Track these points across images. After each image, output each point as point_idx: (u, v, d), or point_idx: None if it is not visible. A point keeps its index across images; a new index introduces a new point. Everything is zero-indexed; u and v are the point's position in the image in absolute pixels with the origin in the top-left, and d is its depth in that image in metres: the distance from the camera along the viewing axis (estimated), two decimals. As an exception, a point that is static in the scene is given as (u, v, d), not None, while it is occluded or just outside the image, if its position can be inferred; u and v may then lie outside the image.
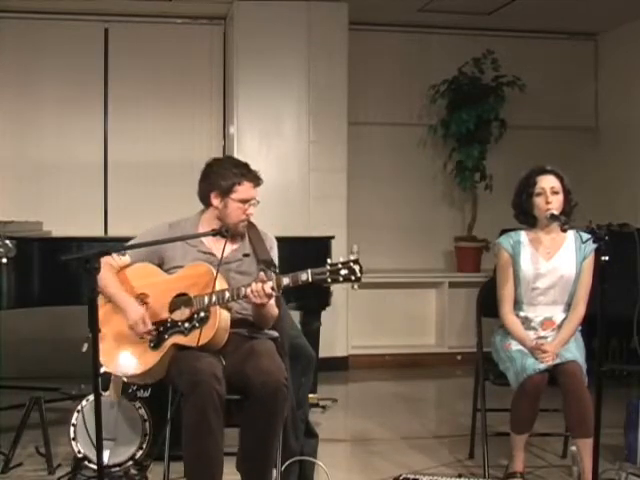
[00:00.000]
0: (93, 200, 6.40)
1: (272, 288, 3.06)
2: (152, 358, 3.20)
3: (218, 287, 3.13)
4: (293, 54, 6.28)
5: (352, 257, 2.97)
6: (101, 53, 6.45)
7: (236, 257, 3.35)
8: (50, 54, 6.36)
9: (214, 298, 3.11)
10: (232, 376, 3.12)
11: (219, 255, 3.21)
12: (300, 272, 3.01)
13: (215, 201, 3.32)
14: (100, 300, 3.24)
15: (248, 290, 3.08)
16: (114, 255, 3.29)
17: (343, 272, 2.94)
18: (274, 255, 3.40)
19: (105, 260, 3.21)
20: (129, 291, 3.30)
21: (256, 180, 3.35)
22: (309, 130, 6.31)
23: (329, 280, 2.96)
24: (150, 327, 3.19)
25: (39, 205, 6.19)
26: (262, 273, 3.12)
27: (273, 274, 3.13)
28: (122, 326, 3.25)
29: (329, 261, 2.98)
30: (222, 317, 3.15)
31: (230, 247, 3.32)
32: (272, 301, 3.21)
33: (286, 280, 3.06)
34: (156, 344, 3.20)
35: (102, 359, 3.05)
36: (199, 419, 2.97)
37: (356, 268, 2.94)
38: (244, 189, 3.31)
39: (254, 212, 3.38)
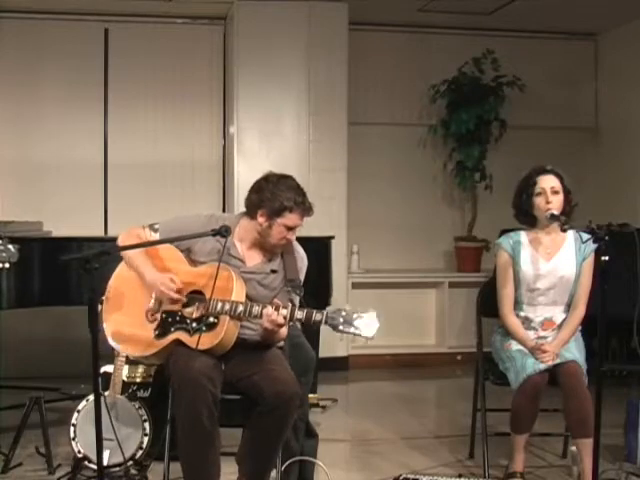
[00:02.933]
0: (93, 200, 6.40)
1: (284, 317, 3.01)
2: (153, 346, 3.18)
3: (234, 296, 3.09)
4: (293, 54, 6.28)
5: (372, 311, 2.91)
6: (101, 53, 6.45)
7: (263, 270, 3.29)
8: (50, 54, 6.35)
9: (227, 307, 3.06)
10: (239, 381, 3.12)
11: (248, 264, 3.24)
12: (316, 311, 2.97)
13: (261, 219, 3.23)
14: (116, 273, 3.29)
15: (262, 311, 3.04)
16: (146, 230, 3.28)
17: (357, 323, 2.89)
18: (302, 276, 3.35)
19: (136, 232, 3.25)
20: (157, 266, 3.24)
21: (308, 212, 3.26)
22: (309, 130, 6.31)
23: (340, 327, 2.90)
24: (180, 286, 3.14)
25: (39, 205, 6.19)
26: (276, 300, 3.07)
27: (289, 303, 3.08)
28: (131, 306, 3.23)
29: (347, 308, 2.93)
30: (229, 328, 3.10)
31: (261, 258, 3.30)
32: (284, 328, 3.16)
33: (300, 314, 3.00)
34: (160, 334, 3.17)
35: (108, 331, 3.19)
36: (191, 419, 2.96)
37: (372, 325, 2.87)
38: (294, 217, 3.22)
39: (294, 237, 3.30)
